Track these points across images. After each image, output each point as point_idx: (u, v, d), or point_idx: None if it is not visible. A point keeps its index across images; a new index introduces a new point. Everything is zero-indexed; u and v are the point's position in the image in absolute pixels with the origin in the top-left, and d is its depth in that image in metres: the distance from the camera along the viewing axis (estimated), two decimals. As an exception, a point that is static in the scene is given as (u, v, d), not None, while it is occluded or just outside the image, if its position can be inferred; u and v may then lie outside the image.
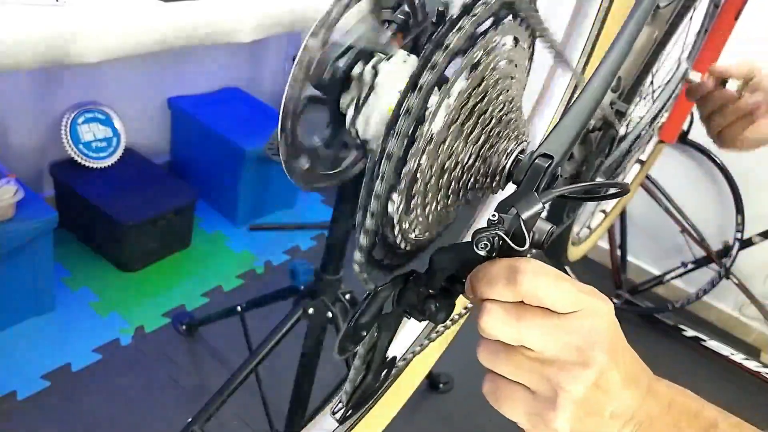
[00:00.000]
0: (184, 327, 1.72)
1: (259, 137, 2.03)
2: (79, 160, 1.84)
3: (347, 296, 1.36)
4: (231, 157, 2.05)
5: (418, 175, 0.39)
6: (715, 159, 2.06)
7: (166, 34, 1.29)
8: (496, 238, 0.37)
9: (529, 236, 0.37)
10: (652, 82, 1.27)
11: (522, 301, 0.37)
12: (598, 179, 1.24)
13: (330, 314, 1.32)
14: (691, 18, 1.18)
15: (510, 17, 0.40)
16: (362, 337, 0.43)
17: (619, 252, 2.28)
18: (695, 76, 1.07)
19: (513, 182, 0.41)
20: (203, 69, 2.22)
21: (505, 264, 0.38)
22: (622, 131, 1.19)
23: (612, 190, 0.42)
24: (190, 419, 1.25)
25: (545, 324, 0.37)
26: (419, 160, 0.38)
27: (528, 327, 0.37)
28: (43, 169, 1.87)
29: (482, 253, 0.38)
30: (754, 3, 1.28)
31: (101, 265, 1.87)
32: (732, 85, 0.94)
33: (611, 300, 0.40)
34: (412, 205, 0.40)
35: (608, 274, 2.29)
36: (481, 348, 0.40)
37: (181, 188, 1.97)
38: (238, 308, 1.58)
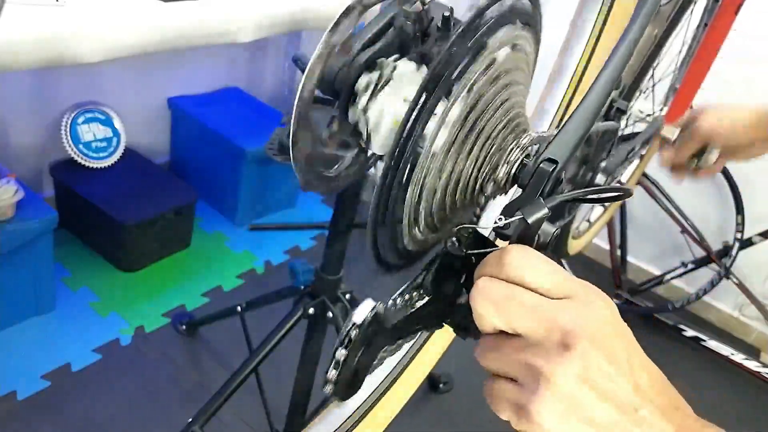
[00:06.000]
0: (184, 327, 1.72)
1: (259, 137, 2.02)
2: (79, 160, 1.84)
3: (347, 296, 1.36)
4: (231, 157, 2.05)
5: (428, 176, 0.40)
6: (715, 159, 2.06)
7: (166, 34, 1.29)
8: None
9: (534, 239, 0.37)
10: (652, 77, 1.27)
11: (514, 284, 0.36)
12: (599, 178, 1.24)
13: (330, 314, 1.32)
14: (691, 13, 1.18)
15: (519, 23, 0.40)
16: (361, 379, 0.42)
17: (619, 252, 2.28)
18: (668, 132, 1.08)
19: (518, 186, 0.42)
20: (203, 69, 2.22)
21: (497, 251, 0.38)
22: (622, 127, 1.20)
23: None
24: (190, 419, 1.25)
25: (533, 304, 0.36)
26: (429, 163, 0.39)
27: (515, 305, 0.36)
28: (43, 169, 1.87)
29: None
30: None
31: (101, 265, 1.87)
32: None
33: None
34: (421, 205, 0.41)
35: (608, 274, 2.29)
36: (478, 347, 0.39)
37: (181, 188, 1.96)
38: (238, 308, 1.58)
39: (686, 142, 1.02)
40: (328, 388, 0.39)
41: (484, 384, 0.40)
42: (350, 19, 0.38)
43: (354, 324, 0.38)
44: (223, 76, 2.30)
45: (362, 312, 0.38)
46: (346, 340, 0.38)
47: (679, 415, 0.36)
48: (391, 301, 0.40)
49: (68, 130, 1.80)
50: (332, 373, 0.38)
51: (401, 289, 0.42)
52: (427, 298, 0.41)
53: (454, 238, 0.40)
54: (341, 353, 0.38)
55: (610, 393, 0.34)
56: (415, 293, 0.41)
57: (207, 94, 2.23)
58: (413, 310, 0.41)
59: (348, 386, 0.39)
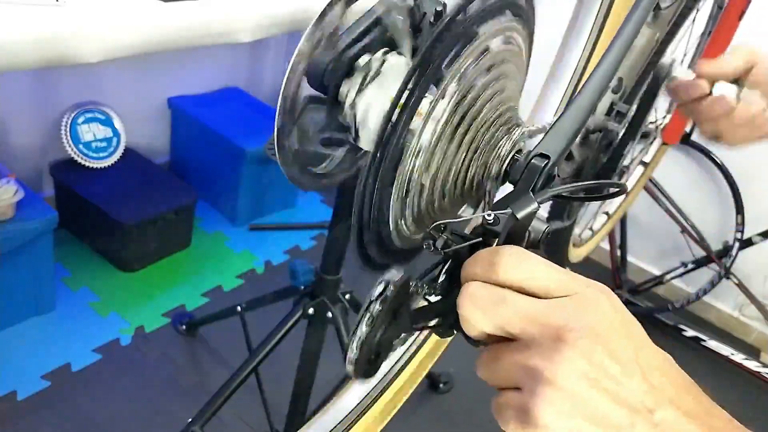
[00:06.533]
0: (184, 327, 1.72)
1: (259, 137, 2.02)
2: (79, 160, 1.84)
3: (347, 296, 1.36)
4: (231, 157, 2.05)
5: (414, 172, 0.39)
6: (715, 159, 2.06)
7: (166, 34, 1.29)
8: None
9: (524, 236, 0.37)
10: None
11: (506, 287, 0.35)
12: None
13: (330, 314, 1.32)
14: (693, 20, 1.18)
15: (509, 14, 0.40)
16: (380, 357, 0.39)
17: (619, 252, 2.28)
18: (682, 73, 0.82)
19: (509, 182, 0.41)
20: (203, 69, 2.22)
21: (489, 249, 0.37)
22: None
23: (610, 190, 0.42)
24: (190, 419, 1.25)
25: (527, 306, 0.34)
26: (415, 158, 0.38)
27: (505, 310, 0.34)
28: (43, 169, 1.87)
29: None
30: (758, 2, 1.27)
31: (101, 265, 1.87)
32: (725, 89, 0.74)
33: None
34: (407, 202, 0.40)
35: (608, 275, 2.29)
36: (479, 364, 0.37)
37: (181, 188, 1.97)
38: (238, 308, 1.58)
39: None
40: (348, 367, 0.37)
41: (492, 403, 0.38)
42: (336, 9, 0.38)
43: (387, 284, 0.35)
44: (223, 76, 2.30)
45: (391, 278, 0.36)
46: (376, 305, 0.35)
47: (710, 419, 0.34)
48: (415, 282, 0.39)
49: (68, 130, 1.80)
50: (353, 353, 0.36)
51: (421, 275, 0.40)
52: (439, 298, 0.40)
53: (429, 240, 0.39)
54: (367, 321, 0.35)
55: (615, 392, 0.32)
56: (428, 287, 0.40)
57: (207, 94, 2.24)
58: (429, 302, 0.40)
59: (368, 364, 0.37)
